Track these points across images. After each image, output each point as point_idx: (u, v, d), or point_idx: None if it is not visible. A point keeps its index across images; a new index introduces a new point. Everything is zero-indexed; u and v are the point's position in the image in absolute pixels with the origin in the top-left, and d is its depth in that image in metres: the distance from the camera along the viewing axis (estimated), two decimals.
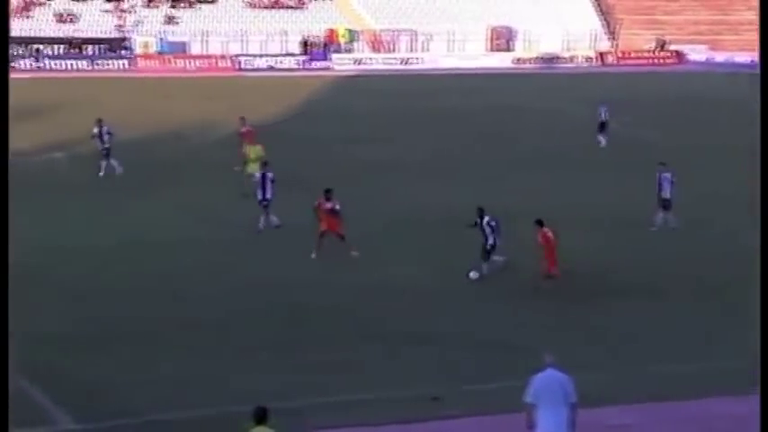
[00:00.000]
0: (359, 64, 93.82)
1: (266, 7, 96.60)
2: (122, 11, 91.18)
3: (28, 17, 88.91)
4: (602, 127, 49.20)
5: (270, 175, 32.83)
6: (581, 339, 22.49)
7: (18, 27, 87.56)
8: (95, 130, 41.12)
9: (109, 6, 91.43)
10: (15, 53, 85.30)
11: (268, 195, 32.40)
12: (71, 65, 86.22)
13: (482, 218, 26.94)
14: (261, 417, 14.55)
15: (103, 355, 21.38)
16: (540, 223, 26.68)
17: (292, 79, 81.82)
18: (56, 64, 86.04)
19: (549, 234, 26.54)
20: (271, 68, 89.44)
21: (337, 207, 29.22)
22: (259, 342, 22.35)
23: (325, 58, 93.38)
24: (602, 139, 48.84)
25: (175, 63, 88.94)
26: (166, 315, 23.96)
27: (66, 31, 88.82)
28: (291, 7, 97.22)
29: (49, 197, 36.54)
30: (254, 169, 35.50)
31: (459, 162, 44.86)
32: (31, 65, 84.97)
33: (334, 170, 41.90)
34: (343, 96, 70.80)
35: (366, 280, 26.87)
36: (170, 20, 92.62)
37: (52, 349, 21.44)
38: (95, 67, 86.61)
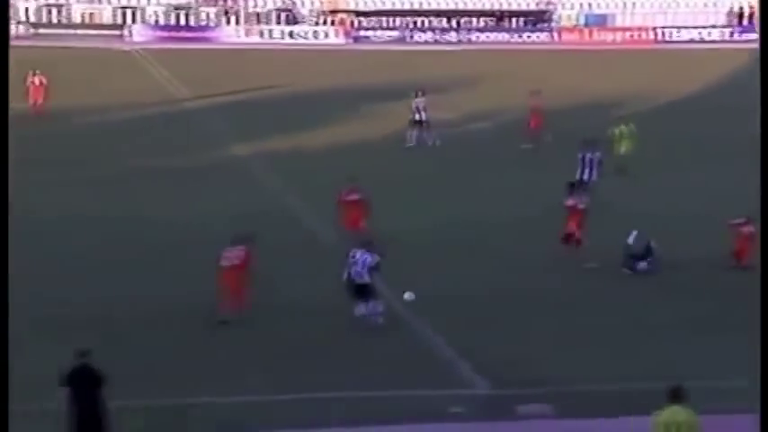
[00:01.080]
0: None
1: None
2: None
3: None
4: None
5: (596, 155, 32.10)
6: None
7: (444, 0, 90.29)
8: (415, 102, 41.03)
9: None
10: (441, 27, 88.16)
11: (589, 177, 31.47)
12: (494, 37, 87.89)
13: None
14: (676, 395, 14.36)
15: (520, 326, 22.04)
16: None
17: (717, 51, 79.29)
18: (480, 36, 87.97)
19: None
20: (693, 41, 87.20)
21: (580, 206, 25.96)
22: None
23: (754, 30, 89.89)
24: None
25: (597, 35, 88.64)
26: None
27: (492, 4, 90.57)
28: None
29: (471, 168, 37.70)
30: (628, 149, 35.36)
31: None
32: (457, 38, 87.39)
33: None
34: None
35: None
36: None
37: (473, 320, 22.24)
38: (517, 39, 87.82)
